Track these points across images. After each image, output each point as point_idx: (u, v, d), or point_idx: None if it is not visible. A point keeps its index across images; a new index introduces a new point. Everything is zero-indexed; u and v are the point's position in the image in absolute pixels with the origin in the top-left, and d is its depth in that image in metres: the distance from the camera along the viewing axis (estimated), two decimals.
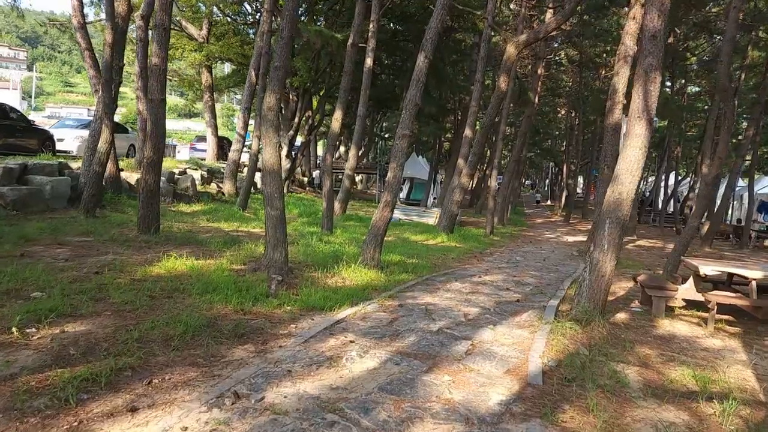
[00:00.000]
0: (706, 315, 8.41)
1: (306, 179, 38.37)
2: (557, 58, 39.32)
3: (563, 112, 51.36)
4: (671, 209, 35.99)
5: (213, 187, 21.87)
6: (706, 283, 8.85)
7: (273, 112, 7.80)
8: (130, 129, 24.88)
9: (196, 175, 21.01)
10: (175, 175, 18.81)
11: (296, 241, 11.76)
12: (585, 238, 23.51)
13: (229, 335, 5.11)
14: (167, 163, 21.71)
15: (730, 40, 11.01)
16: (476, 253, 14.45)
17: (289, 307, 6.36)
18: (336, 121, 14.47)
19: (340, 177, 43.62)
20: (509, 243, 19.05)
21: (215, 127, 28.49)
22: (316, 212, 21.88)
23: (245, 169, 20.88)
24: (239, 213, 16.69)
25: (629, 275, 11.65)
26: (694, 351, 6.34)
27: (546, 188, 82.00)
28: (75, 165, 14.21)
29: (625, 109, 16.05)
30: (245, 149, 23.17)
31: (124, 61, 13.98)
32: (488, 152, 37.37)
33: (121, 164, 16.40)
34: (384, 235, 9.57)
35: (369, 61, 20.73)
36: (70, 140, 18.43)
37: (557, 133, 57.60)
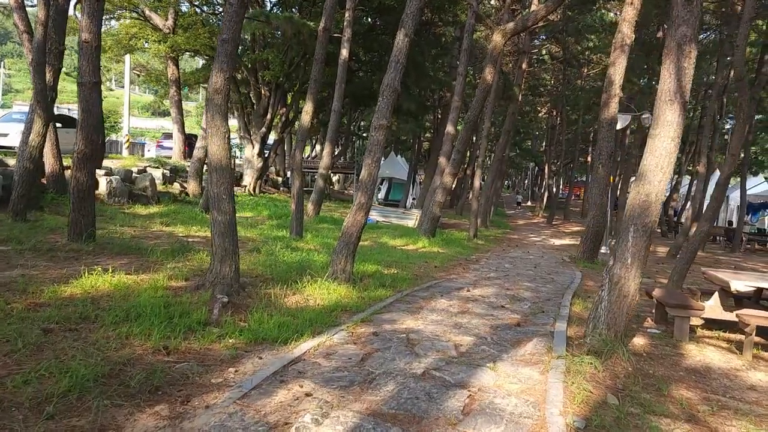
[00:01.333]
0: (733, 336, 7.22)
1: (280, 179, 36.84)
2: (540, 56, 38.33)
3: (544, 112, 50.50)
4: None
5: (176, 187, 20.31)
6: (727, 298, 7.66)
7: (221, 95, 6.40)
8: None
9: (157, 174, 19.43)
10: (133, 174, 17.24)
11: (259, 248, 10.33)
12: (571, 241, 22.41)
13: (136, 390, 3.70)
14: (126, 161, 20.12)
15: (747, 22, 9.88)
16: (461, 259, 13.15)
17: (232, 340, 4.96)
18: (306, 114, 13.07)
19: (315, 177, 42.25)
20: (494, 247, 17.81)
21: (182, 124, 26.85)
22: (287, 214, 20.40)
23: None
24: (201, 215, 15.22)
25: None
26: (741, 391, 5.08)
27: (525, 189, 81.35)
28: (13, 162, 12.66)
29: (622, 102, 14.94)
30: None
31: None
32: (468, 151, 36.21)
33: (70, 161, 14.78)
34: (357, 243, 8.21)
35: (344, 53, 19.39)
36: (14, 135, 16.74)
37: (537, 133, 56.75)
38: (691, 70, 5.41)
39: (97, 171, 15.71)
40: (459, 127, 19.78)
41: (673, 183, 38.69)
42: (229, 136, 6.60)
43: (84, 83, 8.12)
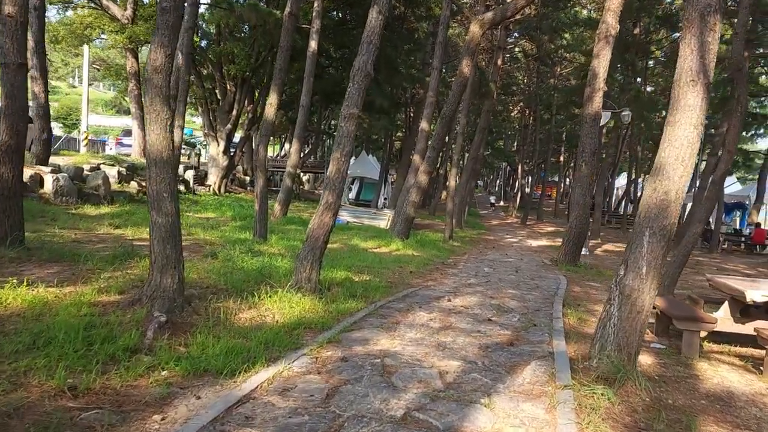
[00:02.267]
0: (744, 351, 6.47)
1: (248, 178, 35.61)
2: (513, 54, 37.83)
3: (516, 111, 50.11)
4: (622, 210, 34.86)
5: (133, 186, 19.04)
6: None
7: (161, 74, 5.39)
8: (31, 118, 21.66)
9: (112, 172, 18.14)
10: (84, 172, 15.99)
11: (216, 253, 9.31)
12: (548, 242, 21.79)
13: None
14: (77, 158, 18.79)
15: (747, 8, 9.19)
16: (438, 263, 12.29)
17: (165, 373, 3.99)
18: (271, 106, 12.06)
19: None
20: (471, 249, 17.01)
21: (142, 120, 25.46)
22: (252, 215, 19.27)
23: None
24: None
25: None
26: None
27: (497, 189, 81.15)
28: None
29: (606, 95, 14.29)
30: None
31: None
32: (441, 150, 35.44)
33: None
34: (324, 248, 7.26)
35: (313, 44, 18.43)
36: None
37: (510, 132, 56.39)
38: (715, 45, 4.60)
39: (43, 168, 14.49)
40: (434, 126, 18.98)
41: (640, 180, 38.64)
42: (172, 123, 5.60)
43: (8, 64, 7.01)
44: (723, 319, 6.35)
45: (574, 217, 13.29)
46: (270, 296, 6.34)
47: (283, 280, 7.19)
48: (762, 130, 28.51)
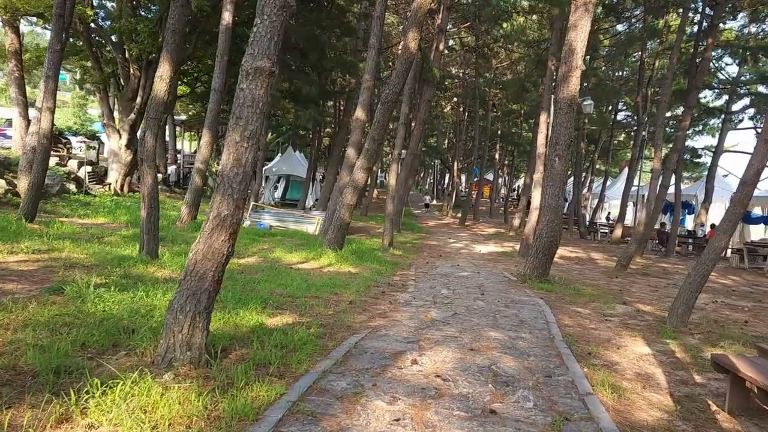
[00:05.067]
0: None
1: (160, 176, 31.85)
2: (449, 45, 35.74)
3: (450, 107, 48.27)
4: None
5: (1, 185, 15.39)
6: None
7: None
8: None
9: None
10: None
11: (64, 286, 6.30)
12: (496, 247, 19.62)
13: None
14: None
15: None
16: (383, 285, 9.64)
17: None
18: (162, 81, 9.05)
19: (206, 174, 37.38)
20: (416, 259, 14.48)
21: (25, 107, 21.49)
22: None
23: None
24: (20, 225, 10.81)
25: (621, 321, 7.40)
26: None
27: (427, 187, 79.56)
28: None
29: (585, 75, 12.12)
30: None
31: None
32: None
33: None
34: (215, 291, 4.42)
35: (227, 16, 15.53)
36: None
37: (443, 129, 54.58)
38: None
39: None
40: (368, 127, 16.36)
41: (588, 182, 37.50)
42: None
43: None
44: None
45: (544, 224, 10.97)
46: (106, 392, 3.49)
47: (155, 339, 4.38)
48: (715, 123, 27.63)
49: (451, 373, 4.82)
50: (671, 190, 27.25)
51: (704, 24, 18.71)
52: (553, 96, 15.66)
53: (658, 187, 15.86)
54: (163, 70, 9.00)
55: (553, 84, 17.23)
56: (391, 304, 7.96)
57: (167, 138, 38.14)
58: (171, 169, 32.99)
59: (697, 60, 18.32)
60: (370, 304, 7.75)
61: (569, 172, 32.90)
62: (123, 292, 6.30)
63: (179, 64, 24.92)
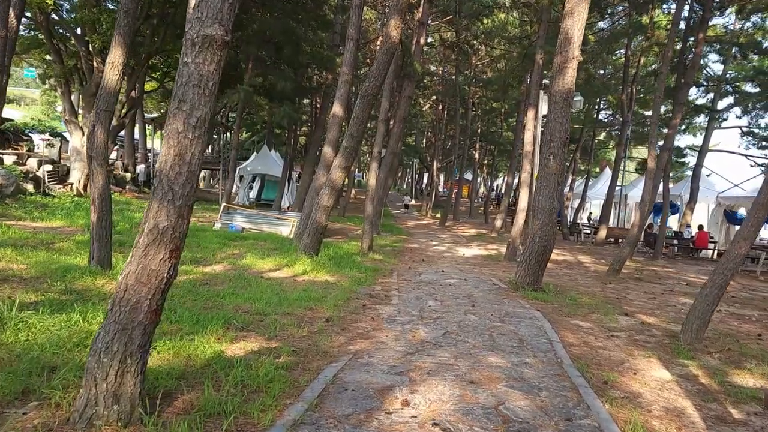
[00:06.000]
0: None
1: (128, 175, 30.52)
2: (428, 43, 34.91)
3: (428, 106, 47.50)
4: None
5: None
6: None
7: None
8: None
9: None
10: None
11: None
12: (480, 250, 18.82)
13: None
14: None
15: None
16: (363, 296, 8.72)
17: None
18: (113, 68, 8.02)
19: None
20: (397, 264, 13.59)
21: None
22: (122, 222, 15.04)
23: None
24: None
25: (629, 336, 6.55)
26: None
27: (405, 187, 78.81)
28: None
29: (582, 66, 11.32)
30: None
31: None
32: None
33: None
34: (153, 325, 3.44)
35: (194, 3, 14.35)
36: None
37: (421, 128, 53.77)
38: None
39: None
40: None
41: (569, 181, 36.94)
42: None
43: None
44: None
45: (537, 228, 10.14)
46: None
47: (74, 388, 3.42)
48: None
49: (452, 419, 3.92)
50: (659, 189, 26.80)
51: (693, 19, 18.17)
52: (541, 92, 14.91)
53: (652, 188, 15.15)
54: (115, 56, 7.96)
55: (543, 79, 16.48)
56: (374, 320, 7.05)
57: (137, 136, 36.78)
58: (140, 168, 31.65)
59: (687, 56, 17.76)
60: (349, 322, 6.83)
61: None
62: (56, 314, 5.30)
63: (146, 54, 23.74)
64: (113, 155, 37.15)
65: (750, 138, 24.43)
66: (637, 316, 8.83)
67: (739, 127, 24.76)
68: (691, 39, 18.11)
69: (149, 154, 36.30)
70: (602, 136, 40.27)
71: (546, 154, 9.93)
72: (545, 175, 9.97)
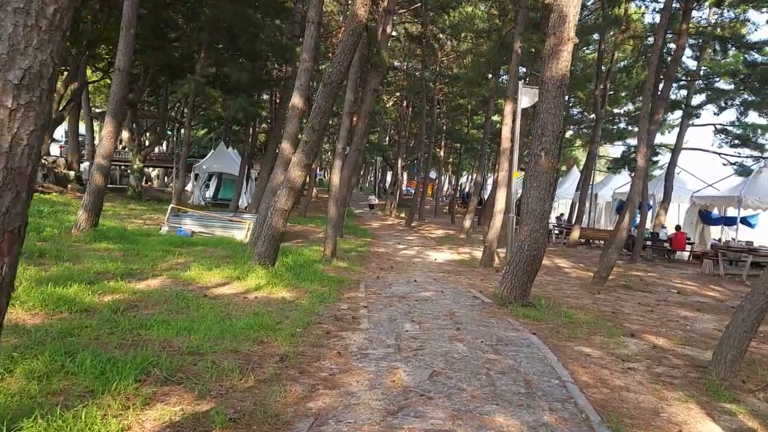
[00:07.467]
0: None
1: (73, 173, 28.34)
2: (393, 36, 33.61)
3: (391, 103, 46.25)
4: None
5: None
6: None
7: None
8: None
9: None
10: None
11: None
12: (452, 254, 17.57)
13: None
14: None
15: None
16: (327, 318, 7.28)
17: None
18: None
19: (127, 172, 33.80)
20: (365, 273, 12.21)
21: None
22: (52, 226, 13.24)
23: None
24: None
25: (647, 368, 5.29)
26: None
27: (367, 185, 77.54)
28: None
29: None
30: None
31: None
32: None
33: None
34: None
35: None
36: None
37: (383, 125, 52.44)
38: None
39: None
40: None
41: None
42: None
43: None
44: None
45: (526, 234, 8.87)
46: None
47: None
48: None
49: None
50: (626, 189, 25.99)
51: (672, 10, 17.27)
52: (520, 83, 13.73)
53: (641, 187, 14.13)
54: None
55: (522, 69, 15.31)
56: (341, 356, 5.64)
57: (83, 131, 34.54)
58: (85, 166, 29.50)
59: (667, 48, 16.88)
60: (309, 360, 5.40)
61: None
62: None
63: (86, 42, 21.79)
64: (56, 152, 34.79)
65: (723, 136, 23.82)
66: (644, 337, 7.64)
67: (713, 125, 24.17)
68: (670, 32, 17.25)
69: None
70: (569, 134, 39.59)
71: (536, 149, 8.67)
72: (535, 174, 8.71)
